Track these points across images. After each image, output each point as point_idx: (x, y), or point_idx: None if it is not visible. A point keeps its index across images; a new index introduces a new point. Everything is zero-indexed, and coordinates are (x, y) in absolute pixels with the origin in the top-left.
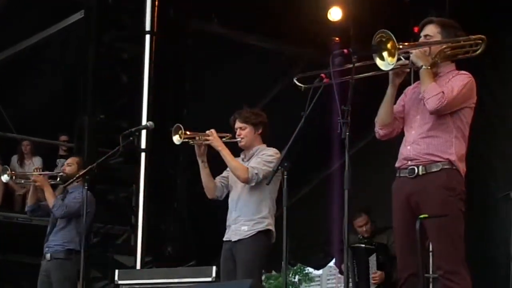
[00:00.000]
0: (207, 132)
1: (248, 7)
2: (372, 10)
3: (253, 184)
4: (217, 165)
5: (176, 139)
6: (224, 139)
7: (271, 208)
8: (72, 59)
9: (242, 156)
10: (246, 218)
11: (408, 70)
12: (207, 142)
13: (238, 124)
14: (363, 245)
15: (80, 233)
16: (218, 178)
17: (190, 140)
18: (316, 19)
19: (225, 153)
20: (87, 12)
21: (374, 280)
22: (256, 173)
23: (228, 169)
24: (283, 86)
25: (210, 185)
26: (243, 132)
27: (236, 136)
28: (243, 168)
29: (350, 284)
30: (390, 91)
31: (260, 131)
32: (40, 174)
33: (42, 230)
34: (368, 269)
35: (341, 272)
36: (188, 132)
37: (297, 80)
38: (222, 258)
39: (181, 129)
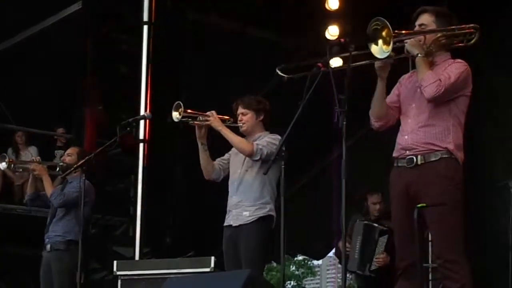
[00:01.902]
0: (208, 113)
1: None
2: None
3: (257, 158)
4: (218, 150)
5: (175, 116)
6: (225, 123)
7: (273, 194)
8: (70, 50)
9: None
10: (248, 204)
11: (393, 61)
12: (207, 122)
13: (240, 110)
14: (376, 225)
15: (79, 223)
16: (217, 160)
17: (189, 119)
18: (314, 8)
19: (226, 132)
20: (85, 3)
21: (378, 261)
22: (261, 148)
23: (229, 152)
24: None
25: (208, 167)
26: (245, 117)
27: (238, 122)
28: (247, 142)
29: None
30: (379, 85)
31: (261, 117)
32: (40, 163)
33: (41, 222)
34: (376, 249)
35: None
36: (188, 110)
37: (280, 70)
38: (225, 246)
39: (181, 107)
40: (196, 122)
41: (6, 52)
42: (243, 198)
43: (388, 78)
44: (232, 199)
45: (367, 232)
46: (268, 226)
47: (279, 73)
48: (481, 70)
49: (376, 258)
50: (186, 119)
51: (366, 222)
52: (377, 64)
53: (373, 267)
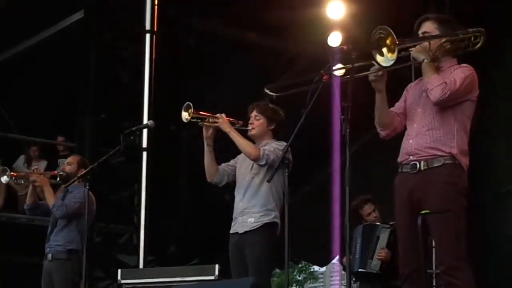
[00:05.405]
0: (217, 115)
1: (248, 5)
2: (374, 6)
3: (263, 163)
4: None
5: (185, 116)
6: (234, 125)
7: (278, 201)
8: (72, 59)
9: None
10: (253, 210)
11: (381, 73)
12: (216, 124)
13: (254, 113)
14: (378, 223)
15: (81, 233)
16: (223, 165)
17: (198, 121)
18: (317, 16)
19: (234, 134)
20: (87, 12)
21: (379, 255)
22: (267, 154)
23: (236, 158)
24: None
25: (212, 169)
26: (256, 122)
27: (248, 124)
28: (254, 146)
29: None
30: (378, 97)
31: (272, 127)
32: (40, 174)
33: (44, 231)
34: (377, 245)
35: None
36: (199, 112)
37: (268, 89)
38: (231, 253)
39: (191, 107)
40: (205, 123)
41: (9, 61)
42: (249, 204)
43: (393, 85)
44: (238, 206)
45: (368, 231)
46: (274, 233)
47: (268, 92)
48: (487, 75)
49: (378, 253)
50: (195, 120)
51: (365, 223)
52: (371, 77)
53: (374, 263)
